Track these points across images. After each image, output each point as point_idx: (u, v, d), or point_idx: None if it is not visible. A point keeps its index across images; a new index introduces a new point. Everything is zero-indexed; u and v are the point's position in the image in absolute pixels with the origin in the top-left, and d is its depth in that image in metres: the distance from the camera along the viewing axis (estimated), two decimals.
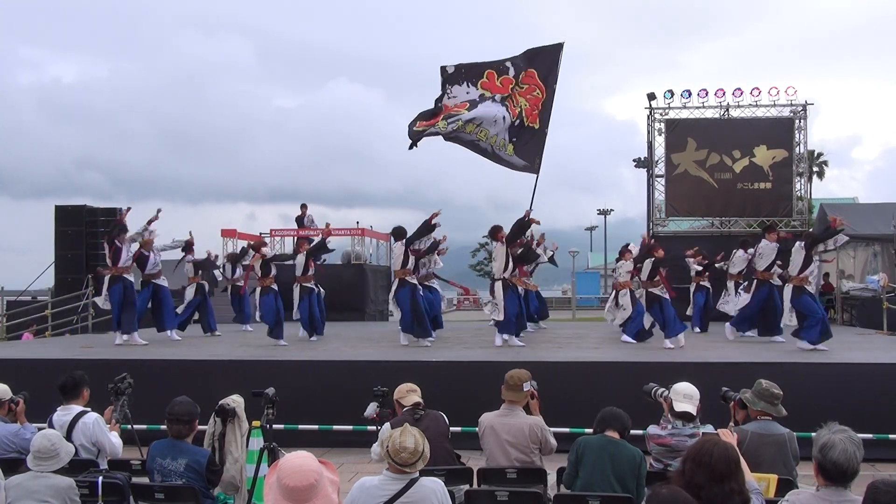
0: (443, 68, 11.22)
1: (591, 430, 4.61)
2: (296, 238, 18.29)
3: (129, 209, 11.77)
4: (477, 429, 5.01)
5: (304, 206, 18.81)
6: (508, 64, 11.52)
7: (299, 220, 18.57)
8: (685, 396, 4.60)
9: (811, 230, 10.96)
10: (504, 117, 11.23)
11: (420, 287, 11.02)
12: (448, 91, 11.19)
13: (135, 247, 11.26)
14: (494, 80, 11.35)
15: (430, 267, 12.09)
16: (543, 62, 11.57)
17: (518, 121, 11.35)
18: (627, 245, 11.99)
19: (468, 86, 11.25)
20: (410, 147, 11.01)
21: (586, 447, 4.28)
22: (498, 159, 11.46)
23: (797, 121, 17.09)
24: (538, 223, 11.01)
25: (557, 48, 11.60)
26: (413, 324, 10.63)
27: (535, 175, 11.38)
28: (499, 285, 10.25)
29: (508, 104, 11.27)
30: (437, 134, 11.03)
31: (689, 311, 13.49)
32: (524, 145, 11.41)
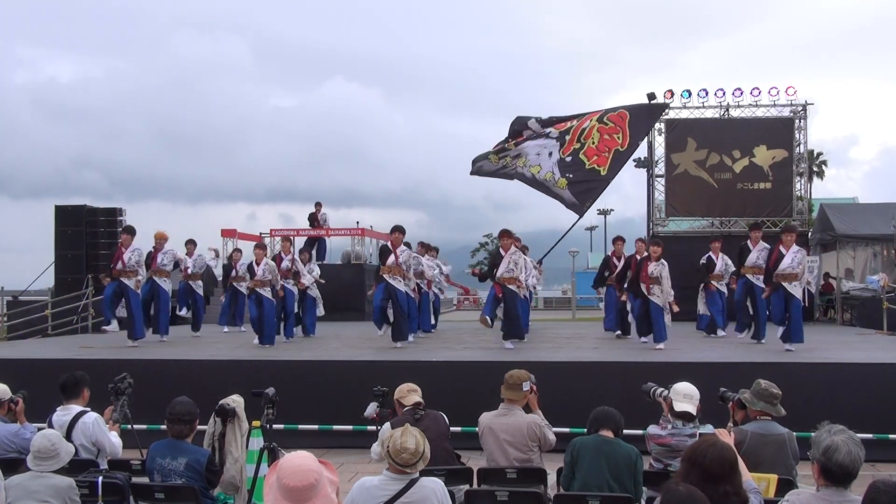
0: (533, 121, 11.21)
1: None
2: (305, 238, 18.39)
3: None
4: (477, 429, 5.02)
5: (318, 205, 18.90)
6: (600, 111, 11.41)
7: (313, 219, 18.61)
8: (685, 396, 4.60)
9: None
10: (552, 152, 11.03)
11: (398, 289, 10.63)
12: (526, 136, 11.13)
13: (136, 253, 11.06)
14: (571, 121, 11.24)
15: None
16: (638, 113, 11.31)
17: (570, 157, 11.03)
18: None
19: (546, 131, 11.21)
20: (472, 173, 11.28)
21: (581, 448, 4.28)
22: (542, 188, 11.23)
23: (797, 121, 17.08)
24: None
25: (658, 108, 11.29)
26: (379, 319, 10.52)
27: (578, 217, 11.10)
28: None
29: (568, 139, 11.07)
30: (490, 172, 11.12)
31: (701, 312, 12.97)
32: (581, 185, 11.01)
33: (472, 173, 11.33)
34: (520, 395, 4.92)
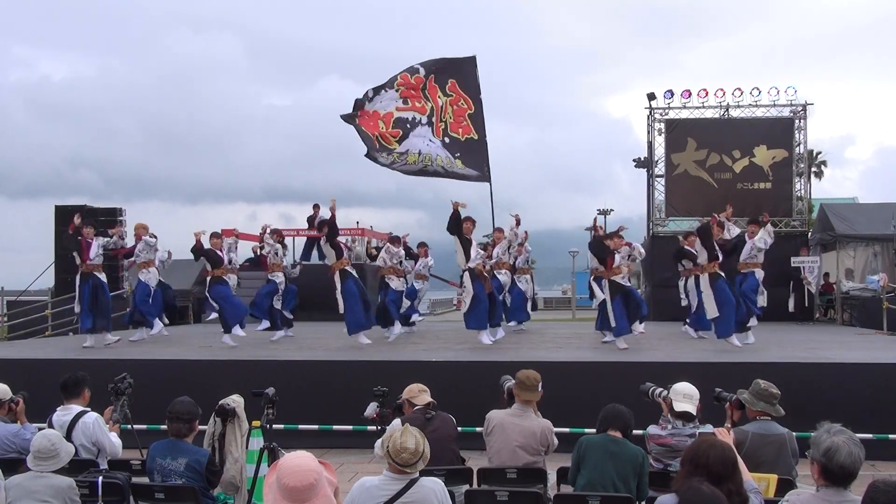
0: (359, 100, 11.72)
1: (590, 430, 4.60)
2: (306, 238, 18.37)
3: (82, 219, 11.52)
4: (482, 427, 5.00)
5: (316, 207, 18.79)
6: (417, 66, 11.90)
7: (311, 220, 18.56)
8: (685, 396, 4.60)
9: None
10: (431, 139, 11.65)
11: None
12: (368, 99, 11.64)
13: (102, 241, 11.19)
14: (409, 79, 11.80)
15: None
16: (462, 75, 11.92)
17: (446, 138, 11.71)
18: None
19: (385, 90, 11.69)
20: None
21: (588, 446, 4.28)
22: (454, 175, 11.81)
23: (797, 121, 17.09)
24: (464, 205, 10.74)
25: (471, 61, 11.98)
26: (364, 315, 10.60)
27: (488, 182, 11.68)
28: (466, 275, 10.31)
29: (434, 121, 11.71)
30: (385, 165, 11.66)
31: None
32: (471, 157, 11.75)
33: (367, 156, 11.70)
34: (536, 395, 4.93)
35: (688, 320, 12.20)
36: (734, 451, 3.32)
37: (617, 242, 10.66)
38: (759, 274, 11.15)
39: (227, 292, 11.12)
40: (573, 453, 4.36)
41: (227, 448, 4.80)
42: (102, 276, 11.18)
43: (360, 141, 11.58)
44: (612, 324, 10.22)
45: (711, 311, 9.77)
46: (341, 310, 10.64)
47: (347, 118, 11.55)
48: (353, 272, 10.78)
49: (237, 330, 10.86)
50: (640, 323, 10.74)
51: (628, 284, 10.79)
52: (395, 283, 11.91)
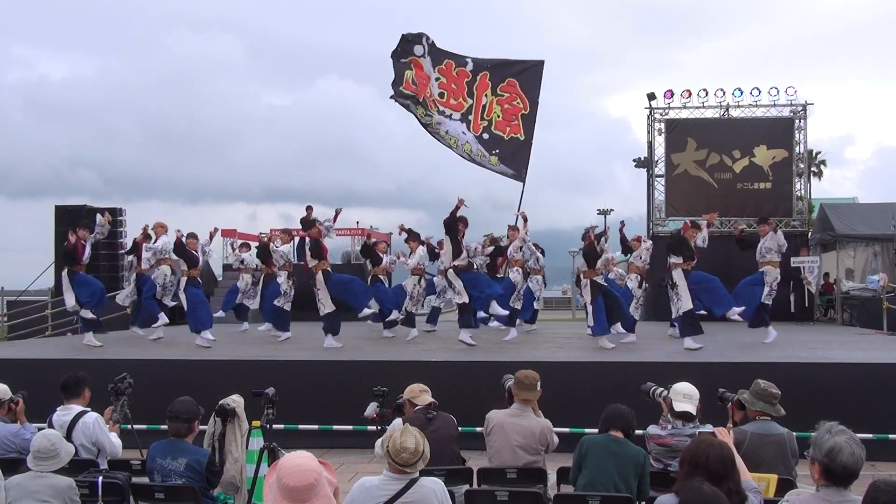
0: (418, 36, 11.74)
1: (590, 430, 4.60)
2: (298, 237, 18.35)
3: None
4: (482, 428, 5.00)
5: (309, 208, 18.69)
6: (468, 59, 11.96)
7: (304, 222, 18.49)
8: (685, 396, 4.60)
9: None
10: (464, 132, 11.75)
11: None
12: (423, 55, 11.66)
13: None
14: (451, 70, 11.79)
15: None
16: (526, 76, 12.00)
17: (485, 134, 11.75)
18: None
19: (431, 64, 11.75)
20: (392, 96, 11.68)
21: (590, 446, 4.29)
22: (483, 166, 11.91)
23: (797, 121, 17.09)
24: (466, 206, 10.57)
25: (539, 65, 11.95)
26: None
27: (522, 183, 11.73)
28: (451, 272, 10.33)
29: (472, 119, 11.78)
30: (415, 116, 11.55)
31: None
32: (510, 156, 11.83)
33: (392, 97, 11.75)
34: (535, 394, 4.93)
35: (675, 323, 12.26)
36: (732, 449, 3.32)
37: (635, 245, 11.23)
38: (769, 270, 10.82)
39: (199, 295, 11.15)
40: (574, 453, 4.36)
41: (227, 448, 4.79)
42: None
43: (391, 84, 11.62)
44: (590, 323, 10.38)
45: (686, 303, 9.67)
46: (321, 304, 10.58)
47: (408, 43, 11.55)
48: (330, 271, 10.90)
49: (205, 334, 10.83)
50: (619, 323, 10.81)
51: (610, 286, 10.83)
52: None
